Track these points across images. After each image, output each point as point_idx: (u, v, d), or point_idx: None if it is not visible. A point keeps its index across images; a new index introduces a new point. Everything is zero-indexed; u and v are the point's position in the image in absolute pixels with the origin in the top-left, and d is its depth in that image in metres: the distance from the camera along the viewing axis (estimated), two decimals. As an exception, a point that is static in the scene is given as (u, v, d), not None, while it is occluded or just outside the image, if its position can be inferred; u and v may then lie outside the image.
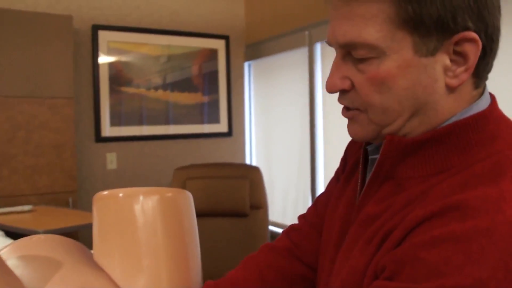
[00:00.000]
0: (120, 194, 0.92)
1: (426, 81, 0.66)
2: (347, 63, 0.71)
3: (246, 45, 4.15)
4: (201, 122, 3.94)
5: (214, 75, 4.01)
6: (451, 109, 0.69)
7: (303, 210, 3.55)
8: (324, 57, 3.33)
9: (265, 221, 3.09)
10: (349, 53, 0.70)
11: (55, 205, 3.07)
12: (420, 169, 0.68)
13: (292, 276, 0.93)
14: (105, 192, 0.94)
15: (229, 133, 4.04)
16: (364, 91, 0.69)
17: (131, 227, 0.90)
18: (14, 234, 2.43)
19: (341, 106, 3.15)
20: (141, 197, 0.91)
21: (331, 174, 3.29)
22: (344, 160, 0.95)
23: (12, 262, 0.91)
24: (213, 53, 4.00)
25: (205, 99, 3.96)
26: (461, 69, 0.66)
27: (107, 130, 3.59)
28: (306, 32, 3.42)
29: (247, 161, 4.18)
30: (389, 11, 0.64)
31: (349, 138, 3.08)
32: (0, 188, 2.97)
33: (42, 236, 1.05)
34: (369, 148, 0.79)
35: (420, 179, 0.68)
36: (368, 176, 0.79)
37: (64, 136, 3.15)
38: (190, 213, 0.97)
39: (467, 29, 0.64)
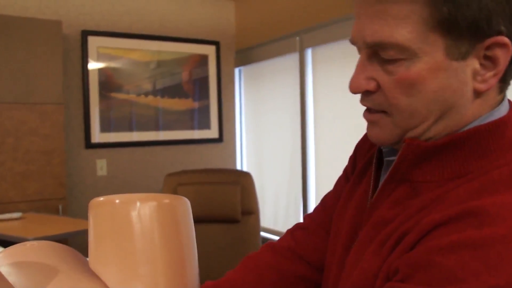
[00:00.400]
0: (117, 201, 0.90)
1: (455, 85, 0.65)
2: (373, 64, 0.69)
3: (237, 50, 4.15)
4: (192, 128, 3.92)
5: (204, 81, 3.99)
6: (475, 113, 0.68)
7: (294, 216, 3.54)
8: (315, 63, 3.33)
9: (257, 227, 3.07)
10: (376, 53, 0.68)
11: (45, 212, 3.03)
12: (437, 174, 0.68)
13: (293, 277, 0.92)
14: (101, 198, 0.93)
15: (219, 139, 4.03)
16: (392, 93, 0.67)
17: (127, 234, 0.88)
18: (3, 242, 2.40)
19: (331, 113, 3.15)
20: (138, 204, 0.90)
21: (322, 180, 3.28)
22: (353, 159, 0.93)
23: (4, 269, 0.89)
24: (203, 59, 3.99)
25: (196, 105, 3.94)
26: (490, 74, 0.65)
27: (97, 136, 3.56)
28: (297, 38, 3.43)
29: (238, 167, 4.16)
30: (422, 12, 0.63)
31: (341, 144, 3.08)
32: (-12, 195, 2.94)
33: (35, 242, 1.03)
34: (384, 149, 0.78)
35: (437, 183, 0.67)
36: (382, 178, 0.78)
37: (54, 142, 3.12)
38: (187, 220, 0.96)
39: (500, 33, 0.63)
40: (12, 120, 3.00)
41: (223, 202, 2.99)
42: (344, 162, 3.08)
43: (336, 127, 3.14)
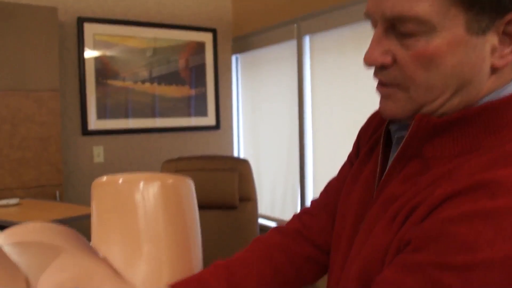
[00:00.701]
0: (120, 180, 0.90)
1: (474, 60, 0.65)
2: (390, 37, 0.68)
3: (234, 38, 4.13)
4: (189, 115, 3.91)
5: (201, 68, 3.98)
6: (490, 89, 0.68)
7: (292, 203, 3.55)
8: (313, 50, 3.32)
9: (255, 214, 3.08)
10: (393, 27, 0.67)
11: (42, 199, 3.02)
12: (448, 149, 0.68)
13: (301, 258, 0.92)
14: (104, 178, 0.92)
15: (217, 126, 4.02)
16: (409, 68, 0.67)
17: (131, 214, 0.88)
18: (1, 227, 2.39)
19: (329, 101, 3.14)
20: (141, 183, 0.89)
21: (320, 166, 3.29)
22: (357, 144, 0.94)
23: (6, 249, 0.89)
24: (200, 46, 3.97)
25: (193, 92, 3.93)
26: (508, 50, 0.65)
27: (94, 123, 3.54)
28: (295, 25, 3.41)
29: (235, 155, 4.16)
30: None
31: (338, 132, 3.08)
32: (-15, 182, 2.92)
33: (37, 223, 1.02)
34: (393, 128, 0.78)
35: (448, 159, 0.67)
36: (391, 157, 0.78)
37: (50, 129, 3.11)
38: (191, 200, 0.96)
39: None
40: (8, 107, 2.99)
41: (221, 188, 2.99)
42: (342, 149, 3.09)
43: (334, 114, 3.14)
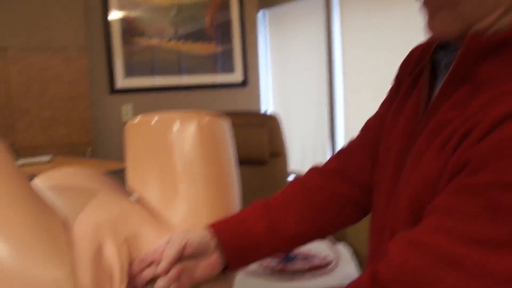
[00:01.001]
0: (154, 120, 0.87)
1: None
2: None
3: (259, -8, 4.03)
4: (215, 72, 3.86)
5: (227, 24, 3.90)
6: None
7: (322, 158, 3.51)
8: (343, 3, 3.22)
9: (284, 169, 3.05)
10: None
11: (73, 156, 3.05)
12: (502, 70, 0.62)
13: (340, 198, 0.89)
14: (138, 118, 0.89)
15: (244, 83, 3.97)
16: None
17: (166, 154, 0.85)
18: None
19: (361, 55, 3.06)
20: (177, 123, 0.86)
21: (351, 120, 3.23)
22: (398, 79, 0.89)
23: (42, 192, 0.87)
24: (225, 2, 3.89)
25: (219, 48, 3.87)
26: None
27: (121, 81, 3.53)
28: (323, -25, 3.30)
29: (263, 112, 4.12)
30: None
31: (370, 84, 3.00)
32: (18, 140, 2.95)
33: (71, 168, 1.01)
34: (439, 55, 0.73)
35: (501, 80, 0.62)
36: (439, 84, 0.73)
37: (78, 88, 3.11)
38: (228, 138, 0.92)
39: None
40: (36, 67, 2.99)
41: (250, 144, 2.96)
42: (375, 102, 3.01)
43: (366, 68, 3.06)
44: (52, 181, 0.95)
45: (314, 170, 0.93)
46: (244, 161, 3.02)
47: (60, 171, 0.99)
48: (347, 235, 2.39)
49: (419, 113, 0.75)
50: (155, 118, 0.87)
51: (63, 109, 3.07)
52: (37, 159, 2.66)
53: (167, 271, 0.74)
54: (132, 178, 0.88)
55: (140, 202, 0.86)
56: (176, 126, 0.86)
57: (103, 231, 0.76)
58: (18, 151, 2.94)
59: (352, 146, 0.94)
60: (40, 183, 0.95)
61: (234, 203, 0.90)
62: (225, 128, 0.92)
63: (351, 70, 3.20)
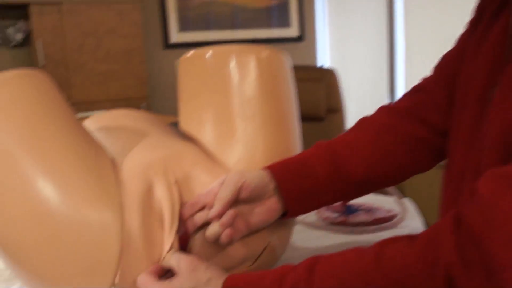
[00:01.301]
0: (209, 53, 0.79)
1: None
2: None
3: None
4: (270, 26, 3.74)
5: (283, -24, 3.76)
6: None
7: (380, 116, 3.38)
8: None
9: (342, 126, 2.95)
10: None
11: (128, 112, 3.04)
12: None
13: (411, 139, 0.79)
14: (191, 52, 0.82)
15: (300, 38, 3.84)
16: None
17: (222, 90, 0.78)
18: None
19: (425, 9, 2.89)
20: (233, 57, 0.78)
21: (412, 73, 3.07)
22: (479, 8, 0.77)
23: (94, 134, 0.83)
24: (281, -48, 3.74)
25: (274, 2, 3.74)
26: None
27: (175, 36, 3.47)
28: None
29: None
30: None
31: (435, 39, 2.83)
32: (73, 95, 2.97)
33: (121, 110, 0.95)
34: None
35: None
36: None
37: (133, 42, 3.08)
38: (287, 75, 0.84)
39: None
40: (90, 20, 2.97)
41: (307, 99, 2.86)
42: (439, 57, 2.85)
43: (431, 22, 2.88)
44: (102, 123, 0.90)
45: (383, 109, 0.83)
46: (301, 117, 2.93)
47: (111, 113, 0.94)
48: (406, 190, 2.28)
49: (508, 39, 0.65)
50: (209, 52, 0.80)
51: (118, 64, 3.05)
52: (93, 113, 2.66)
53: (220, 215, 0.67)
54: (185, 116, 0.82)
55: (193, 142, 0.79)
56: (232, 61, 0.79)
57: (154, 170, 0.70)
58: (74, 105, 2.96)
59: (426, 84, 0.84)
60: (89, 125, 0.90)
61: (295, 144, 0.82)
62: (285, 63, 0.84)
63: (413, 24, 3.03)
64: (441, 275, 0.51)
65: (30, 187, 0.62)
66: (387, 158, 0.79)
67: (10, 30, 3.08)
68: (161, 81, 3.47)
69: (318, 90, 2.87)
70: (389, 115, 0.81)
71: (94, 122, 0.91)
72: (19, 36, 3.07)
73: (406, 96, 0.84)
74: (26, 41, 3.10)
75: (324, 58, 3.96)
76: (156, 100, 3.46)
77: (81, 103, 2.97)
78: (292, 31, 3.82)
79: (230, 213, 0.68)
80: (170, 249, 0.65)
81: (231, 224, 0.68)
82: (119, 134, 0.83)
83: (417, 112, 0.80)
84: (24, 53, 3.09)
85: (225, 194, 0.68)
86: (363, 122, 0.82)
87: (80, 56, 2.96)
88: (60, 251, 0.61)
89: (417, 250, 0.53)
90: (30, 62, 3.07)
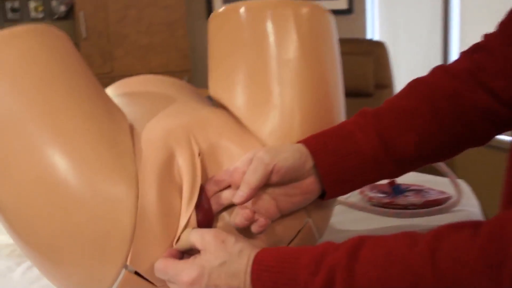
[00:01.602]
0: (242, 9, 0.70)
1: None
2: None
3: None
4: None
5: None
6: None
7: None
8: None
9: (391, 102, 2.82)
10: None
11: (170, 86, 3.00)
12: None
13: (474, 108, 0.66)
14: (223, 8, 0.73)
15: (349, 10, 3.69)
16: None
17: (257, 51, 0.69)
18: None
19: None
20: (269, 12, 0.69)
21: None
22: None
23: (116, 100, 0.75)
24: None
25: (322, -27, 3.60)
26: None
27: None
28: None
29: (368, 42, 3.84)
30: None
31: (493, 11, 2.65)
32: (116, 67, 2.94)
33: (147, 75, 0.88)
34: None
35: None
36: None
37: (175, 13, 3.02)
38: (332, 36, 0.74)
39: None
40: (132, -9, 2.93)
41: (354, 74, 2.75)
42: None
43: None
44: (125, 88, 0.83)
45: (440, 71, 0.71)
46: (347, 93, 2.81)
47: (135, 78, 0.87)
48: (456, 170, 2.15)
49: None
50: (243, 7, 0.70)
51: (160, 36, 3.00)
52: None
53: (246, 201, 0.58)
54: (214, 80, 0.73)
55: (223, 110, 0.71)
56: (268, 17, 0.69)
57: (175, 139, 0.62)
58: (116, 78, 2.93)
59: (489, 42, 0.71)
60: (112, 91, 0.83)
61: (338, 116, 0.72)
62: (329, 21, 0.74)
63: (472, -8, 2.85)
64: (508, 278, 0.41)
65: (38, 155, 0.56)
66: (444, 131, 0.67)
67: (54, 3, 3.08)
68: (204, 54, 3.40)
69: (366, 64, 2.76)
70: (448, 79, 0.69)
71: (117, 88, 0.84)
72: (62, 9, 3.07)
73: (464, 55, 0.72)
74: (69, 14, 3.09)
75: (373, 32, 3.80)
76: (199, 73, 3.39)
77: (123, 76, 2.93)
78: (340, 3, 3.67)
79: (257, 200, 0.60)
80: (185, 227, 0.57)
81: (259, 212, 0.60)
82: (141, 100, 0.76)
83: (480, 76, 0.68)
84: (67, 25, 3.08)
85: (253, 179, 0.58)
86: (416, 85, 0.70)
87: (122, 29, 2.93)
88: (67, 224, 0.55)
89: (479, 246, 0.43)
90: (73, 35, 3.05)
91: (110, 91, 0.83)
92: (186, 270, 0.53)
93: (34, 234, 0.57)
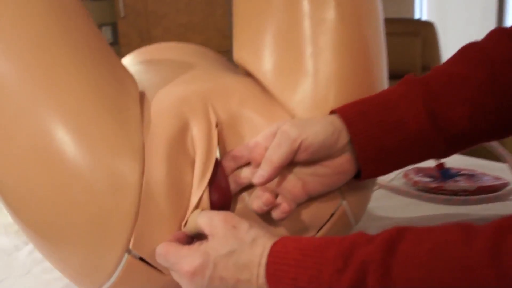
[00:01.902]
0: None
1: None
2: None
3: None
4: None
5: None
6: None
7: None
8: None
9: (439, 85, 2.72)
10: None
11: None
12: None
13: None
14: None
15: (395, -12, 3.56)
16: None
17: (288, 9, 0.60)
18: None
19: None
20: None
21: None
22: None
23: (135, 68, 0.69)
24: None
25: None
26: None
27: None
28: None
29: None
30: None
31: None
32: (153, 47, 2.91)
33: (170, 42, 0.81)
34: None
35: None
36: None
37: (216, -8, 2.97)
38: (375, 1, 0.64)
39: None
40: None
41: (400, 56, 2.65)
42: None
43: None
44: (145, 56, 0.76)
45: (499, 34, 0.59)
46: (392, 75, 2.71)
47: (157, 45, 0.80)
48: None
49: None
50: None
51: (200, 15, 2.96)
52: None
53: (267, 181, 0.50)
54: (240, 45, 0.65)
55: (249, 77, 0.62)
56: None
57: (191, 106, 0.55)
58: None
59: None
60: (131, 59, 0.76)
61: (379, 84, 0.63)
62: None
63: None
64: None
65: (33, 122, 0.49)
66: (503, 104, 0.57)
67: (93, -18, 3.06)
68: (244, 35, 3.35)
69: (413, 45, 2.71)
70: (507, 42, 0.58)
71: (137, 55, 0.77)
72: (101, -13, 3.05)
73: None
74: (108, -7, 3.07)
75: (421, 11, 3.67)
76: (238, 54, 3.35)
77: (161, 56, 2.91)
78: (387, -18, 3.54)
79: (282, 182, 0.52)
80: (196, 207, 0.49)
81: (274, 204, 0.51)
82: (159, 67, 0.68)
83: None
84: (105, 4, 3.06)
85: (276, 156, 0.50)
86: (471, 50, 0.60)
87: (160, 7, 2.89)
88: (63, 199, 0.48)
89: None
90: (112, 14, 3.04)
91: (130, 58, 0.76)
92: (189, 257, 0.45)
93: (29, 210, 0.50)
